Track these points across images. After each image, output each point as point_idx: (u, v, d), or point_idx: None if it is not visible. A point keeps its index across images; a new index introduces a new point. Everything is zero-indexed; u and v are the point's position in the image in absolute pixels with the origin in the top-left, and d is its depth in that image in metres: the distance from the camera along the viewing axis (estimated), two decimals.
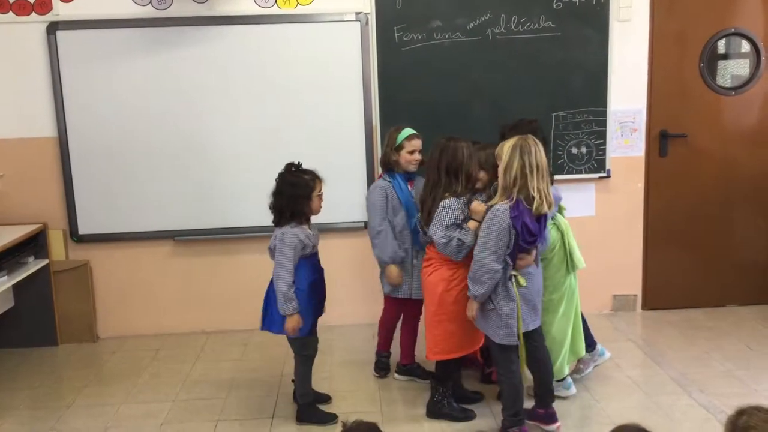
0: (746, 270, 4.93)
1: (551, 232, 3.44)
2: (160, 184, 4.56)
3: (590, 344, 3.77)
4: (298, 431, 3.45)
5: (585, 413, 3.52)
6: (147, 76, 4.46)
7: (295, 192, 3.28)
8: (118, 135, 4.51)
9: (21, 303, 4.54)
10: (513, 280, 3.09)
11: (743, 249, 4.91)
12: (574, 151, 4.64)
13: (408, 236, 3.75)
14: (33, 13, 4.39)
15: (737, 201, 4.86)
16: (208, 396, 3.84)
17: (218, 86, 4.50)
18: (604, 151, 4.67)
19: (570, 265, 3.50)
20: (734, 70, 4.84)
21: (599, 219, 4.75)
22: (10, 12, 4.38)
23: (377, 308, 4.05)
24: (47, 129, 4.51)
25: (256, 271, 4.44)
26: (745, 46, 4.77)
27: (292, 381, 3.56)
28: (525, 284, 3.11)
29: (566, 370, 3.62)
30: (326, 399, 3.68)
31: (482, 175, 3.34)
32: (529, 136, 3.05)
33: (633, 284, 4.93)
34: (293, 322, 3.29)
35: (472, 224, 3.17)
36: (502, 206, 2.99)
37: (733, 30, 4.70)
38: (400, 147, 3.71)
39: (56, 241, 4.59)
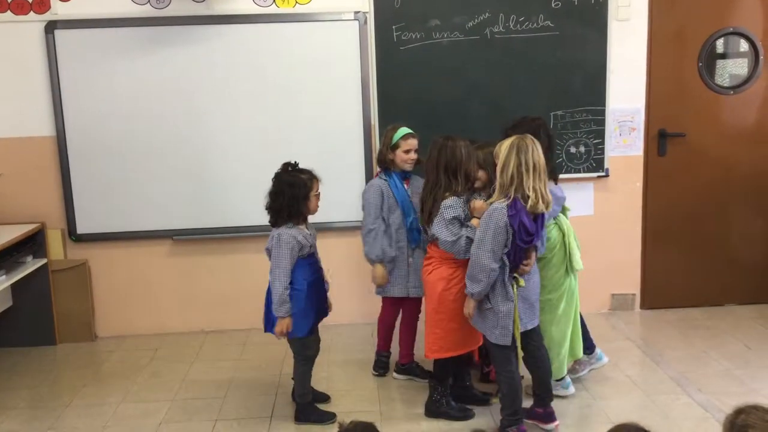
0: (745, 269, 4.93)
1: (552, 232, 3.44)
2: (158, 184, 4.56)
3: (589, 347, 3.77)
4: (297, 431, 3.45)
5: (584, 412, 3.52)
6: (145, 75, 4.46)
7: (293, 192, 3.26)
8: (116, 134, 4.51)
9: (19, 302, 4.53)
10: (513, 281, 3.09)
11: (742, 248, 4.92)
12: (573, 150, 4.64)
13: (404, 235, 3.77)
14: (31, 12, 4.39)
15: (736, 200, 4.86)
16: (206, 395, 3.83)
17: (216, 85, 4.50)
18: (602, 150, 4.67)
19: (569, 266, 3.50)
20: (733, 69, 4.84)
21: (598, 218, 4.76)
22: (9, 11, 4.38)
23: (375, 307, 4.06)
24: (46, 128, 4.50)
25: (254, 270, 4.45)
26: (744, 46, 4.77)
27: (293, 379, 3.56)
28: (524, 284, 3.12)
29: (565, 370, 3.62)
30: (325, 398, 3.68)
31: (481, 174, 3.35)
32: (527, 135, 3.05)
33: (631, 283, 4.94)
34: (283, 325, 3.29)
35: (475, 222, 3.17)
36: (499, 205, 2.99)
37: (731, 29, 4.70)
38: (395, 146, 3.72)
39: (54, 241, 4.58)
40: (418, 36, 4.47)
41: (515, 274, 3.09)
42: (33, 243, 4.48)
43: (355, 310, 4.60)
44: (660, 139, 4.77)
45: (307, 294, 3.34)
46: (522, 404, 3.24)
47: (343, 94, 4.55)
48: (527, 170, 2.96)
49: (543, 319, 3.43)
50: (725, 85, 4.80)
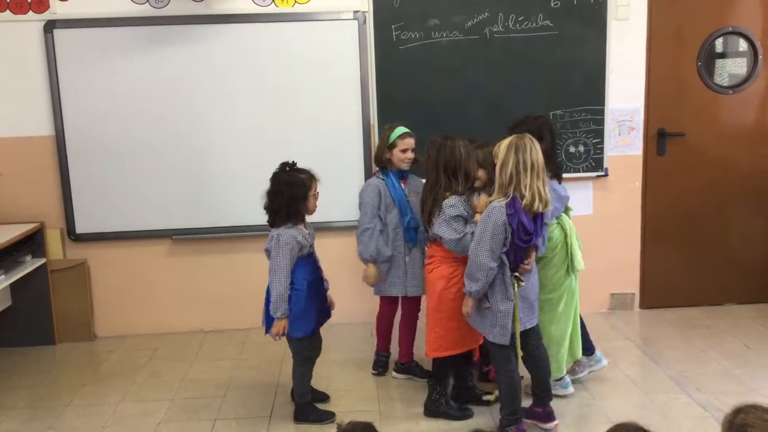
0: (744, 268, 4.93)
1: (555, 231, 3.44)
2: (157, 183, 4.56)
3: (588, 348, 3.77)
4: (296, 430, 3.45)
5: (583, 412, 3.52)
6: (144, 75, 4.46)
7: (292, 191, 3.25)
8: (115, 133, 4.50)
9: (18, 302, 4.53)
10: (515, 280, 3.09)
11: (741, 247, 4.92)
12: (572, 149, 4.64)
13: (401, 234, 3.77)
14: (30, 12, 4.39)
15: (735, 199, 4.87)
16: (205, 395, 3.83)
17: (215, 85, 4.50)
18: (601, 149, 4.67)
19: (570, 266, 3.50)
20: (732, 68, 4.84)
21: (597, 218, 4.76)
22: (8, 10, 4.38)
23: (374, 307, 4.06)
24: (45, 128, 4.50)
25: (254, 270, 4.45)
26: (743, 45, 4.77)
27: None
28: (524, 284, 3.12)
29: (564, 370, 3.62)
30: (324, 398, 3.68)
31: (481, 173, 3.35)
32: (526, 134, 3.04)
33: (630, 283, 4.94)
34: (280, 327, 3.29)
35: (479, 218, 3.17)
36: (498, 203, 2.99)
37: (730, 29, 4.70)
38: (392, 145, 3.73)
39: (54, 240, 4.58)
40: (418, 35, 4.47)
41: (516, 274, 3.09)
42: (32, 242, 4.48)
43: (354, 310, 4.60)
44: (659, 139, 4.77)
45: (307, 294, 3.34)
46: (521, 404, 3.23)
47: (342, 94, 4.55)
48: (525, 169, 2.96)
49: (542, 319, 3.43)
50: (724, 84, 4.80)
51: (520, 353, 3.19)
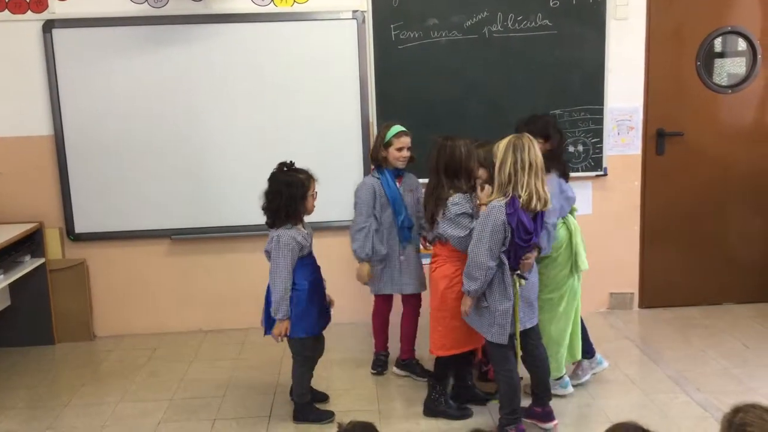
0: (743, 268, 4.94)
1: (560, 231, 3.45)
2: (156, 183, 4.56)
3: (589, 351, 3.76)
4: (296, 430, 3.45)
5: (582, 411, 3.52)
6: (143, 75, 4.46)
7: (291, 192, 3.24)
8: (114, 133, 4.50)
9: (18, 302, 4.53)
10: (518, 277, 3.09)
11: (740, 247, 4.92)
12: (571, 149, 4.64)
13: (395, 233, 3.80)
14: (29, 12, 4.38)
15: (734, 199, 4.87)
16: (205, 395, 3.83)
17: (215, 85, 4.50)
18: (600, 149, 4.67)
19: (574, 266, 3.50)
20: (731, 68, 4.84)
21: (596, 217, 4.75)
22: (6, 10, 4.37)
23: (372, 306, 4.07)
24: (43, 127, 4.50)
25: (253, 270, 4.46)
26: (742, 45, 4.77)
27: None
28: (524, 284, 3.12)
29: (563, 369, 3.62)
30: (324, 398, 3.67)
31: (481, 172, 3.35)
32: (525, 134, 3.05)
33: (630, 282, 4.94)
34: (282, 328, 3.28)
35: (485, 210, 3.17)
36: (497, 203, 3.00)
37: (729, 28, 4.71)
38: (388, 144, 3.75)
39: (53, 240, 4.58)
40: (417, 35, 4.47)
41: (519, 272, 3.09)
42: (31, 242, 4.48)
43: (353, 310, 4.60)
44: (658, 138, 4.77)
45: (308, 294, 3.34)
46: (521, 403, 3.23)
47: (342, 93, 4.55)
48: (523, 168, 2.96)
49: (543, 318, 3.43)
50: (723, 84, 4.81)
51: (519, 353, 3.19)
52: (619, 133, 4.73)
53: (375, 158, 3.83)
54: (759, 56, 4.71)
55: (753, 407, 1.85)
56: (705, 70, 4.74)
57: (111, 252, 4.67)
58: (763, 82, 4.77)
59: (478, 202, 3.25)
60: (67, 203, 4.55)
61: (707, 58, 4.76)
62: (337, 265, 4.32)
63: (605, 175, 4.72)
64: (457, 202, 3.24)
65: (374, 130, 4.50)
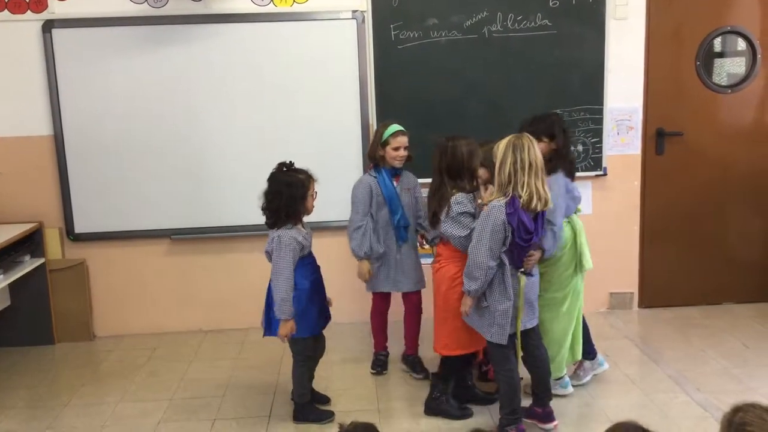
0: (742, 268, 4.94)
1: (564, 230, 3.45)
2: (156, 183, 4.56)
3: (591, 352, 3.76)
4: (296, 430, 3.45)
5: (582, 411, 3.52)
6: (143, 75, 4.46)
7: (291, 192, 3.23)
8: (114, 133, 4.50)
9: (17, 302, 4.53)
10: (522, 274, 3.10)
11: (739, 247, 4.92)
12: (571, 149, 4.63)
13: (391, 231, 3.81)
14: (28, 12, 4.38)
15: (733, 199, 4.87)
16: (204, 395, 3.83)
17: (214, 84, 4.50)
18: (600, 149, 4.67)
19: (579, 265, 3.50)
20: (730, 68, 4.85)
21: (596, 217, 4.75)
22: (6, 10, 4.37)
23: (371, 306, 4.07)
24: (43, 127, 4.50)
25: (252, 269, 4.46)
26: (741, 44, 4.77)
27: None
28: (531, 278, 3.13)
29: (564, 369, 3.62)
30: (326, 400, 3.65)
31: (482, 172, 3.35)
32: (524, 134, 3.04)
33: (629, 282, 4.94)
34: (287, 328, 3.27)
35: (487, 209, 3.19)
36: (497, 203, 3.00)
37: (729, 28, 4.71)
38: (385, 143, 3.77)
39: (52, 240, 4.58)
40: (416, 35, 4.47)
41: (523, 269, 3.09)
42: (31, 242, 4.48)
43: (352, 309, 4.59)
44: (658, 138, 4.77)
45: (309, 293, 3.34)
46: (521, 403, 3.23)
47: (341, 93, 4.55)
48: (523, 168, 2.96)
49: (545, 318, 3.44)
50: (723, 83, 4.81)
51: (520, 353, 3.19)
52: (618, 133, 4.73)
53: (372, 157, 3.85)
54: (758, 56, 4.71)
55: (753, 407, 1.85)
56: (705, 70, 4.74)
57: (111, 252, 4.67)
58: (763, 82, 4.77)
59: (480, 201, 3.26)
60: (66, 203, 4.55)
61: (707, 57, 4.76)
62: (337, 264, 4.31)
63: (605, 175, 4.72)
64: (459, 201, 3.25)
65: (374, 130, 4.49)
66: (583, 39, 4.54)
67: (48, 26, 4.38)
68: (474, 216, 3.24)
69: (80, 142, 4.50)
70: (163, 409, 3.68)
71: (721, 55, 4.83)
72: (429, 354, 4.09)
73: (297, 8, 4.48)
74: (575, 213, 3.54)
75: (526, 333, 3.18)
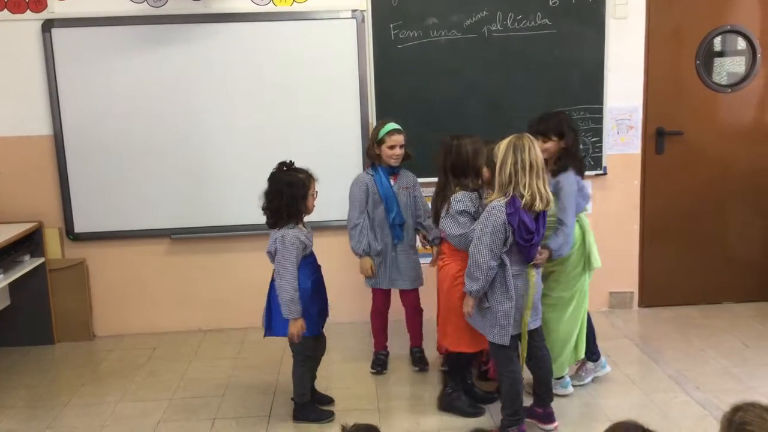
0: (742, 267, 4.94)
1: (574, 229, 3.44)
2: (156, 182, 4.56)
3: (594, 353, 3.76)
4: (296, 430, 3.45)
5: (582, 410, 3.52)
6: (143, 74, 4.46)
7: (292, 191, 3.22)
8: (114, 133, 4.50)
9: (17, 301, 4.53)
10: (530, 269, 3.10)
11: (739, 246, 4.92)
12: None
13: (387, 229, 3.83)
14: (28, 11, 4.38)
15: (733, 198, 4.87)
16: (204, 394, 3.83)
17: (214, 84, 4.50)
18: (600, 148, 4.67)
19: (587, 264, 3.49)
20: (730, 67, 4.84)
21: (596, 216, 4.73)
22: (5, 10, 4.37)
23: (371, 305, 4.08)
24: (43, 127, 4.50)
25: (252, 269, 4.46)
26: (741, 44, 4.77)
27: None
28: (536, 275, 3.14)
29: (566, 369, 3.61)
30: (329, 401, 3.64)
31: (484, 171, 3.35)
32: (525, 134, 3.04)
33: (629, 281, 4.94)
34: (297, 326, 3.27)
35: None
36: (497, 203, 3.00)
37: (729, 27, 4.70)
38: (381, 141, 3.79)
39: (52, 240, 4.58)
40: (416, 34, 4.47)
41: (531, 263, 3.10)
42: (30, 242, 4.48)
43: (353, 309, 4.59)
44: (658, 138, 4.77)
45: (310, 293, 3.33)
46: (523, 404, 3.23)
47: (341, 93, 4.55)
48: (524, 168, 2.96)
49: (551, 317, 3.44)
50: (723, 83, 4.80)
51: (525, 354, 3.17)
52: (618, 133, 4.73)
53: (369, 155, 3.89)
54: (758, 55, 4.71)
55: (753, 406, 1.85)
56: (704, 69, 4.74)
57: (110, 251, 4.67)
58: (763, 81, 4.76)
59: (486, 201, 3.26)
60: (66, 203, 4.55)
61: (707, 57, 4.76)
62: (337, 264, 4.31)
63: (605, 174, 4.72)
64: (459, 199, 3.25)
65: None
66: (583, 38, 4.54)
67: (48, 26, 4.37)
68: (474, 216, 3.24)
69: (80, 141, 4.49)
70: (163, 409, 3.68)
71: (721, 54, 4.83)
72: (431, 353, 4.10)
73: (297, 7, 4.47)
74: (582, 212, 3.54)
75: (529, 333, 3.17)
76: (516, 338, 3.14)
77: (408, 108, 4.42)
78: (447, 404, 3.50)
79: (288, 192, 3.23)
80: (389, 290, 4.01)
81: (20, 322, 4.55)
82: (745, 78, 4.77)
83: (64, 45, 4.40)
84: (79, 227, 4.59)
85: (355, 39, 4.49)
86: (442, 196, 3.36)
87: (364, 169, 4.51)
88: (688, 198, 4.83)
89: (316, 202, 3.37)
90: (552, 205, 3.08)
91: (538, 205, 2.97)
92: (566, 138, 3.41)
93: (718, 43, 4.79)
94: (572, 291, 3.50)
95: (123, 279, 4.70)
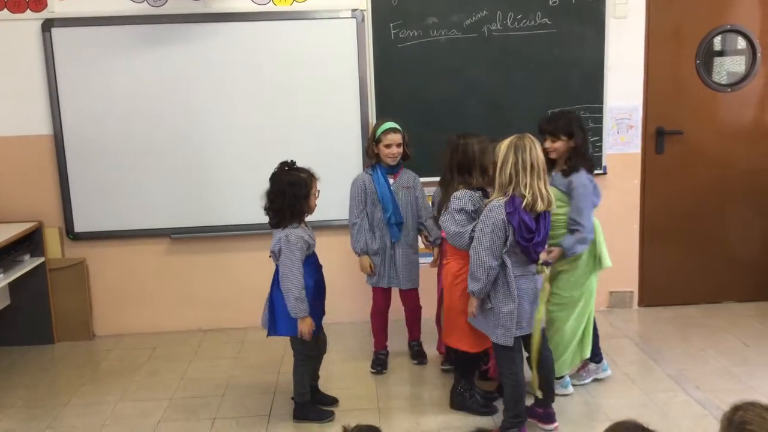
0: (742, 266, 4.94)
1: None
2: (156, 182, 4.56)
3: (597, 355, 3.76)
4: (295, 429, 3.45)
5: (582, 410, 3.52)
6: (142, 74, 4.45)
7: (294, 191, 3.22)
8: (114, 132, 4.50)
9: (17, 301, 4.53)
10: (541, 267, 3.11)
11: (739, 245, 4.92)
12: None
13: (385, 229, 3.85)
14: (28, 11, 4.38)
15: (733, 198, 4.87)
16: (204, 394, 3.83)
17: (214, 83, 4.49)
18: (600, 148, 4.67)
19: (598, 263, 3.49)
20: (730, 66, 4.84)
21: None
22: (5, 9, 4.37)
23: (371, 305, 4.08)
24: (43, 127, 4.49)
25: (252, 268, 4.46)
26: (741, 43, 4.77)
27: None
28: (547, 271, 3.15)
29: (567, 369, 3.61)
30: (332, 402, 3.63)
31: (491, 170, 3.35)
32: (527, 134, 3.04)
33: (629, 281, 4.94)
34: (307, 325, 3.27)
35: None
36: (497, 202, 3.00)
37: (729, 27, 4.70)
38: (378, 140, 3.82)
39: (52, 239, 4.58)
40: (416, 34, 4.47)
41: (540, 263, 3.10)
42: (30, 242, 4.48)
43: (352, 309, 4.60)
44: (658, 137, 4.77)
45: (312, 292, 3.33)
46: (525, 406, 3.22)
47: (341, 92, 4.55)
48: (524, 169, 2.96)
49: (560, 316, 3.45)
50: (723, 82, 4.80)
51: (536, 354, 3.16)
52: (618, 132, 4.73)
53: (369, 155, 3.92)
54: (758, 55, 4.71)
55: (753, 405, 1.85)
56: (704, 69, 4.74)
57: (110, 251, 4.67)
58: (763, 81, 4.76)
59: (486, 201, 3.26)
60: (66, 202, 4.55)
61: (707, 56, 4.75)
62: (337, 264, 4.31)
63: (605, 173, 4.72)
64: (459, 197, 3.25)
65: None
66: (583, 38, 4.53)
67: (47, 25, 4.37)
68: (473, 216, 3.24)
69: (80, 141, 4.49)
70: (163, 409, 3.68)
71: (721, 53, 4.83)
72: (432, 353, 4.11)
73: (297, 7, 4.47)
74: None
75: (531, 335, 3.17)
76: (519, 339, 3.13)
77: (408, 108, 4.42)
78: (459, 403, 3.50)
79: (290, 192, 3.23)
80: (389, 289, 4.02)
81: (20, 322, 4.55)
82: (745, 77, 4.77)
83: (64, 45, 4.40)
84: (79, 227, 4.59)
85: (355, 39, 4.49)
86: (445, 194, 3.37)
87: (364, 169, 4.52)
88: (688, 198, 4.83)
89: (317, 202, 3.37)
90: (554, 206, 3.07)
91: (540, 206, 2.97)
92: (576, 137, 3.40)
93: (718, 43, 4.79)
94: (581, 290, 3.50)
95: (123, 279, 4.70)
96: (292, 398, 3.53)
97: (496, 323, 3.09)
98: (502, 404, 3.27)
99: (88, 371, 4.21)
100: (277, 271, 3.33)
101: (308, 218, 3.41)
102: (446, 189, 3.40)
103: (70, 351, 4.53)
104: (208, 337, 4.68)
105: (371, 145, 3.86)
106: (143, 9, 4.41)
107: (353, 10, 4.47)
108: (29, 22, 4.38)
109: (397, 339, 4.21)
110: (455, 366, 3.57)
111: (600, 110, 4.62)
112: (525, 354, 3.22)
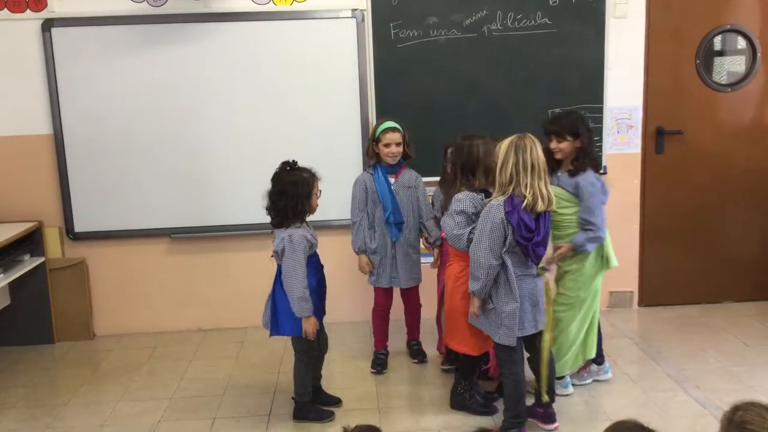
0: (742, 266, 4.94)
1: None
2: (156, 182, 4.56)
3: (600, 355, 3.76)
4: (295, 429, 3.45)
5: (582, 409, 3.52)
6: (142, 73, 4.45)
7: (296, 191, 3.22)
8: (114, 132, 4.50)
9: (17, 301, 4.53)
10: (540, 270, 3.12)
11: (739, 245, 4.92)
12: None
13: (386, 228, 3.87)
14: (28, 10, 4.38)
15: (733, 197, 4.87)
16: (204, 394, 3.83)
17: (214, 83, 4.49)
18: (600, 147, 4.66)
19: (604, 263, 3.49)
20: (730, 66, 4.84)
21: None
22: (5, 9, 4.37)
23: (372, 305, 4.08)
24: (43, 126, 4.49)
25: (252, 268, 4.47)
26: (741, 43, 4.77)
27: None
28: (548, 272, 3.15)
29: (568, 369, 3.61)
30: (335, 402, 3.63)
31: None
32: (527, 134, 3.04)
33: (629, 281, 4.94)
34: (311, 324, 3.27)
35: None
36: (496, 202, 3.00)
37: (729, 26, 4.70)
38: (377, 140, 3.83)
39: (52, 239, 4.58)
40: (416, 34, 4.47)
41: (542, 265, 3.10)
42: (30, 241, 4.48)
43: (353, 308, 4.60)
44: (657, 137, 4.77)
45: (316, 291, 3.33)
46: (525, 407, 3.22)
47: (341, 92, 4.55)
48: (525, 169, 2.96)
49: (566, 316, 3.45)
50: (723, 82, 4.80)
51: (546, 354, 3.16)
52: (618, 132, 4.73)
53: (369, 154, 3.93)
54: (758, 54, 4.71)
55: (753, 405, 1.85)
56: (704, 69, 4.74)
57: (111, 251, 4.67)
58: (763, 81, 4.76)
59: (486, 201, 3.26)
60: (66, 202, 4.55)
61: (707, 56, 4.75)
62: (338, 263, 4.31)
63: (605, 173, 4.71)
64: (460, 198, 3.25)
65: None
66: (583, 37, 4.53)
67: (47, 25, 4.37)
68: (473, 219, 3.23)
69: (80, 141, 4.49)
70: (163, 408, 3.68)
71: (721, 53, 4.83)
72: (432, 353, 4.11)
73: (297, 7, 4.47)
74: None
75: (534, 336, 3.16)
76: (520, 340, 3.13)
77: (408, 108, 4.41)
78: (459, 403, 3.50)
79: (292, 191, 3.22)
80: (390, 289, 4.02)
81: (20, 322, 4.55)
82: (745, 77, 4.77)
83: (64, 44, 4.40)
84: (79, 227, 4.59)
85: (355, 38, 4.49)
86: (446, 195, 3.37)
87: (364, 169, 4.53)
88: (688, 198, 4.83)
89: (318, 201, 3.37)
90: (554, 206, 3.08)
91: (540, 206, 2.97)
92: (581, 137, 3.39)
93: (718, 43, 4.79)
94: (587, 291, 3.50)
95: (123, 278, 4.70)
96: (293, 398, 3.53)
97: (498, 323, 3.09)
98: (503, 404, 3.27)
99: (88, 371, 4.21)
100: (279, 271, 3.32)
101: (308, 218, 3.41)
102: (447, 190, 3.41)
103: (70, 351, 4.53)
104: (207, 337, 4.68)
105: (371, 145, 3.87)
106: (143, 9, 4.41)
107: (353, 10, 4.47)
108: (29, 22, 4.38)
109: (398, 339, 4.21)
110: (460, 367, 3.57)
111: (600, 110, 4.62)
112: (525, 354, 3.22)
